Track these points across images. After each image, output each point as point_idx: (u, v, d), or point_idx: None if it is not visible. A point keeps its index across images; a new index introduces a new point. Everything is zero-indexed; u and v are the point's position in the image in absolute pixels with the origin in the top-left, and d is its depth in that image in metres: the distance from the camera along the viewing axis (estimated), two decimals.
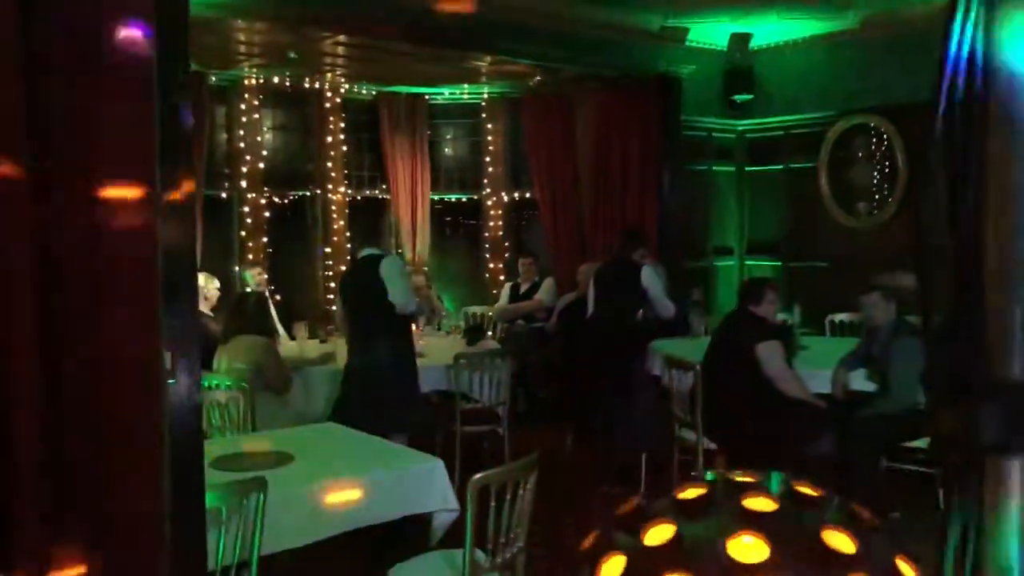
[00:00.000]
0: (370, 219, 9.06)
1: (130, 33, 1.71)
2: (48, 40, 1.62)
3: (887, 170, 7.71)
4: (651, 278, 6.08)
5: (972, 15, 0.70)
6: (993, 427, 0.71)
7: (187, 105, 2.02)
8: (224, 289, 6.74)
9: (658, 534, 0.70)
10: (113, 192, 1.71)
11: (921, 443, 4.93)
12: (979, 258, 0.72)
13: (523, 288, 8.30)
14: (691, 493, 0.76)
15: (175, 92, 2.01)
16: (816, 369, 5.36)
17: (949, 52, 0.71)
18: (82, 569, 1.70)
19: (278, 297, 7.95)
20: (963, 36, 0.70)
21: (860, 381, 5.27)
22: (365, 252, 5.20)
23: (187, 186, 1.99)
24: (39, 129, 1.62)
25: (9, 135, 1.59)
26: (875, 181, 7.81)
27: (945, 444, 0.76)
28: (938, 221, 0.80)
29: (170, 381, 1.88)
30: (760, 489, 0.73)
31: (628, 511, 0.75)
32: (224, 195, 8.19)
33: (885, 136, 7.68)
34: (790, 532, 0.71)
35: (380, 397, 4.84)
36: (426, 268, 8.84)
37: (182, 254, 1.96)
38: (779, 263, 8.58)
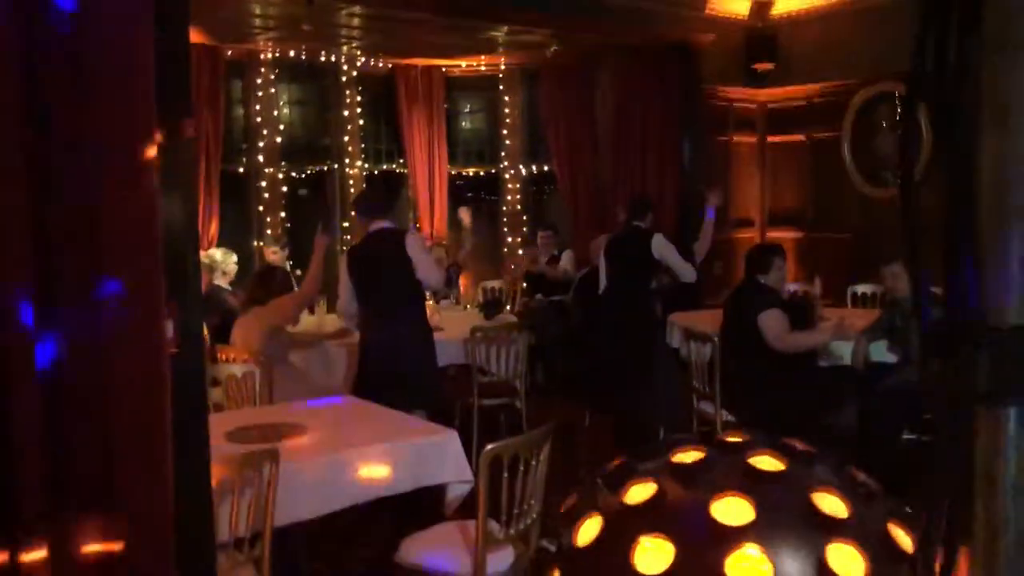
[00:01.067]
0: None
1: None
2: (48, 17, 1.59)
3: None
4: (663, 246, 5.97)
5: None
6: (987, 374, 0.66)
7: (185, 69, 1.98)
8: (242, 264, 6.75)
9: (638, 493, 0.66)
10: (112, 157, 1.68)
11: None
12: (973, 195, 0.67)
13: (542, 261, 8.25)
14: (686, 456, 0.73)
15: (174, 59, 1.98)
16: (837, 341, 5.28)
17: None
18: (86, 542, 1.70)
19: (297, 272, 7.95)
20: None
21: (882, 352, 5.20)
22: (378, 225, 5.01)
23: (188, 152, 1.96)
24: (36, 89, 1.60)
25: (5, 97, 1.57)
26: (899, 150, 7.68)
27: (935, 393, 0.71)
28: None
29: (173, 350, 1.86)
30: (754, 448, 0.69)
31: (613, 469, 0.71)
32: (241, 170, 8.19)
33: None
34: (778, 493, 0.67)
35: (403, 373, 4.80)
36: (444, 242, 8.80)
37: (183, 222, 1.94)
38: (801, 234, 8.47)
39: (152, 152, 1.69)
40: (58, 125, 1.63)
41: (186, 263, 1.96)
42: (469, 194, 9.58)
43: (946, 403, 0.69)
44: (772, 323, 4.82)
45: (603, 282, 6.24)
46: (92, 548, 1.71)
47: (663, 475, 0.69)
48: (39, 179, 1.62)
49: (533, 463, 2.96)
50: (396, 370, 4.79)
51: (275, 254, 7.38)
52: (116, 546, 1.74)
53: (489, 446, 2.81)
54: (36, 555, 1.66)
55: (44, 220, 1.62)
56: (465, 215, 6.98)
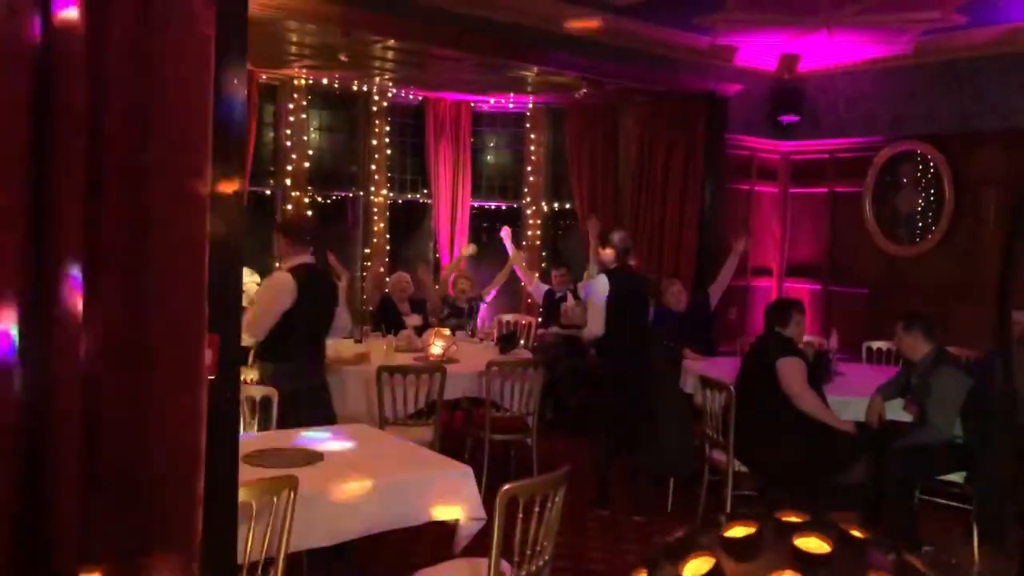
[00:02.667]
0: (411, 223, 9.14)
1: (191, 27, 1.74)
2: (111, 41, 1.66)
3: (932, 199, 7.60)
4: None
5: None
6: None
7: (242, 102, 2.05)
8: None
9: (697, 567, 0.69)
10: (166, 185, 1.74)
11: (956, 477, 4.84)
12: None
13: (557, 296, 8.28)
14: (738, 531, 0.76)
15: (231, 89, 2.05)
16: (852, 396, 5.29)
17: None
18: (118, 558, 1.73)
19: None
20: None
21: (897, 411, 5.20)
22: (306, 259, 4.75)
23: (237, 180, 2.02)
24: (97, 124, 1.66)
25: (69, 130, 1.63)
26: (919, 209, 7.71)
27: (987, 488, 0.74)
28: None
29: (210, 377, 1.91)
30: (810, 529, 0.73)
31: (674, 542, 0.75)
32: (268, 192, 8.30)
33: (932, 164, 7.57)
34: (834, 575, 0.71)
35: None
36: (465, 273, 8.84)
37: (229, 253, 1.99)
38: (818, 287, 8.49)
39: (206, 187, 1.74)
40: (115, 139, 1.68)
41: (229, 292, 2.01)
42: (485, 225, 9.65)
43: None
44: (790, 370, 4.85)
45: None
46: (123, 567, 1.74)
47: (722, 550, 0.73)
48: (93, 203, 1.67)
49: (549, 505, 2.98)
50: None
51: None
52: (145, 565, 1.77)
53: (507, 486, 2.83)
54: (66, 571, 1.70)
55: (93, 243, 1.67)
56: (506, 235, 7.52)
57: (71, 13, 1.61)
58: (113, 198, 1.69)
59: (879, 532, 0.80)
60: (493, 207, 9.63)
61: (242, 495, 2.71)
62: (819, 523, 0.72)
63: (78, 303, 1.63)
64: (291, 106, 8.23)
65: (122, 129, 1.69)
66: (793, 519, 0.72)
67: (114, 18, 1.65)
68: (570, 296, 7.99)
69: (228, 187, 2.02)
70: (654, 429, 5.59)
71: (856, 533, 0.72)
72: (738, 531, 0.73)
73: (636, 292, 5.79)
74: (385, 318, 7.09)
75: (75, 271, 1.64)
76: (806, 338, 6.34)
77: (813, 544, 0.71)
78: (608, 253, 5.73)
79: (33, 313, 1.59)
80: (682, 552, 0.70)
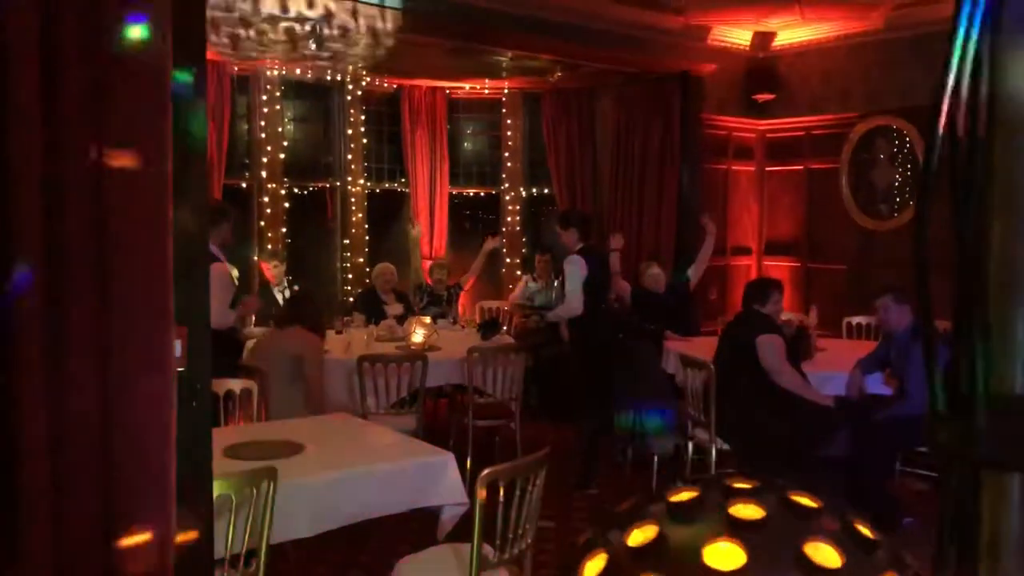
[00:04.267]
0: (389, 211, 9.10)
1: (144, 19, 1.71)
2: (66, 29, 1.63)
3: (908, 173, 7.64)
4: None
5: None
6: (992, 442, 0.69)
7: (201, 88, 2.02)
8: (242, 278, 6.78)
9: (641, 534, 0.69)
10: (126, 173, 1.71)
11: None
12: (982, 267, 0.71)
13: (540, 284, 8.29)
14: (682, 496, 0.76)
15: (191, 77, 2.02)
16: (833, 371, 5.33)
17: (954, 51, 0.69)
18: (88, 554, 1.72)
19: (295, 288, 7.98)
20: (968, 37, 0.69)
21: (877, 384, 5.24)
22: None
23: (200, 172, 2.00)
24: (55, 109, 1.63)
25: (25, 116, 1.60)
26: (896, 184, 7.75)
27: (943, 457, 0.74)
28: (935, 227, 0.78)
29: (179, 369, 1.89)
30: (749, 496, 0.73)
31: (624, 510, 0.74)
32: (244, 185, 8.24)
33: (907, 138, 7.61)
34: (770, 541, 0.70)
35: None
36: (444, 261, 8.83)
37: (194, 238, 1.97)
38: (797, 264, 8.52)
39: (166, 169, 1.72)
40: (71, 131, 1.65)
41: (196, 281, 1.99)
42: (467, 212, 9.64)
43: (952, 462, 0.72)
44: (769, 347, 4.87)
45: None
46: (93, 558, 1.73)
47: (666, 516, 0.72)
48: (51, 186, 1.65)
49: (529, 488, 2.98)
50: None
51: (274, 268, 7.41)
52: (115, 557, 1.76)
53: (486, 470, 2.83)
54: (36, 563, 1.68)
55: (54, 231, 1.65)
56: (491, 243, 7.47)
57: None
58: (73, 190, 1.67)
59: (841, 502, 0.80)
60: (471, 194, 9.60)
61: (221, 487, 2.70)
62: (761, 489, 0.72)
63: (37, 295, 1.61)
64: (264, 97, 8.16)
65: (79, 115, 1.67)
66: (738, 485, 0.72)
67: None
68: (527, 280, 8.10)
69: (192, 173, 2.00)
70: (636, 406, 5.63)
71: (802, 500, 0.72)
72: (681, 495, 0.73)
73: (604, 268, 5.94)
74: (367, 309, 7.07)
75: (34, 263, 1.62)
76: (785, 315, 6.38)
77: (750, 511, 0.71)
78: (572, 233, 5.77)
79: None
80: (630, 519, 0.70)
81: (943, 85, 0.70)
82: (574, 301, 5.64)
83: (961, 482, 0.70)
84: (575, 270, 5.64)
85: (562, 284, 6.46)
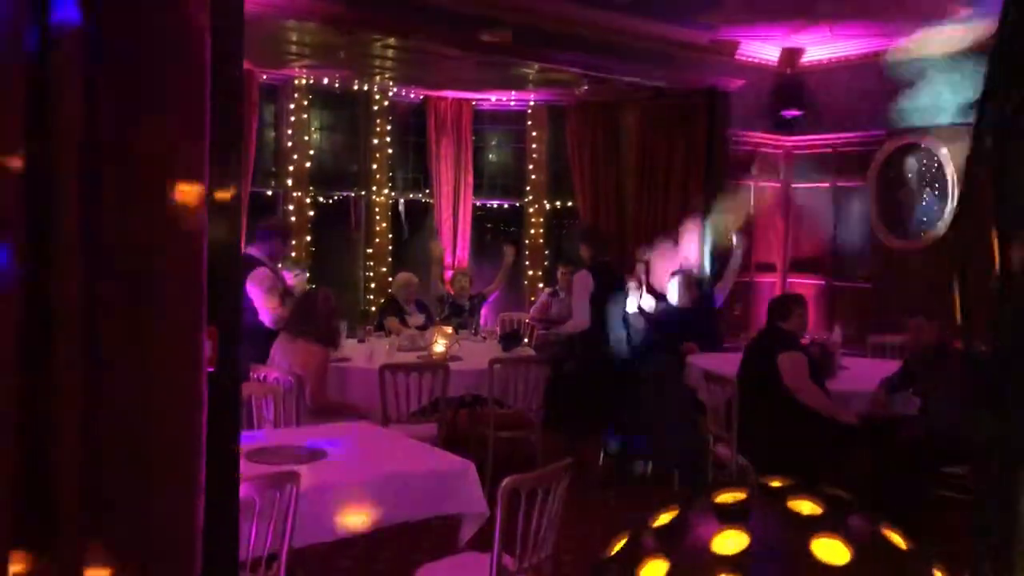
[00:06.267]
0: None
1: (186, 31, 1.74)
2: (104, 40, 1.65)
3: (936, 192, 7.58)
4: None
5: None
6: None
7: (239, 103, 2.05)
8: None
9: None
10: (163, 182, 1.73)
11: (960, 469, 4.83)
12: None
13: (561, 296, 8.27)
14: (728, 497, 0.76)
15: (228, 90, 2.04)
16: (856, 389, 5.28)
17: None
18: (116, 557, 1.73)
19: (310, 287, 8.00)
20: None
21: (901, 404, 5.18)
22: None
23: (235, 179, 2.02)
24: (93, 120, 1.65)
25: (65, 127, 1.62)
26: (924, 203, 7.69)
27: (981, 454, 0.74)
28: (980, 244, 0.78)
29: (209, 370, 1.90)
30: (801, 492, 0.73)
31: (665, 519, 0.74)
32: (270, 193, 8.30)
33: (936, 157, 7.55)
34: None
35: None
36: (467, 271, 8.83)
37: (228, 245, 1.99)
38: (822, 282, 8.47)
39: (203, 176, 1.74)
40: (109, 140, 1.67)
41: (227, 284, 2.01)
42: (488, 224, 9.65)
43: (991, 462, 0.72)
44: (791, 364, 4.85)
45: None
46: (120, 561, 1.74)
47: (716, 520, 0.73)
48: (88, 193, 1.67)
49: (550, 497, 2.98)
50: None
51: (295, 277, 7.43)
52: (141, 560, 1.77)
53: (508, 479, 2.83)
54: (65, 565, 1.70)
55: (92, 233, 1.67)
56: (510, 252, 7.45)
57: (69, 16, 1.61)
58: (110, 190, 1.69)
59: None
60: (495, 205, 9.62)
61: (244, 490, 2.71)
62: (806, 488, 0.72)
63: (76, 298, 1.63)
64: (292, 106, 8.23)
65: (117, 128, 1.69)
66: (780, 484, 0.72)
67: (107, 22, 1.64)
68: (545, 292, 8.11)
69: (226, 182, 2.01)
70: (657, 423, 5.62)
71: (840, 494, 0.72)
72: (727, 497, 0.73)
73: (618, 285, 6.06)
74: (388, 319, 7.08)
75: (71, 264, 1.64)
76: (809, 335, 6.34)
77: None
78: (585, 249, 5.92)
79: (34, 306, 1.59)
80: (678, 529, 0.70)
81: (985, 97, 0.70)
82: (580, 316, 5.77)
83: (998, 479, 0.69)
84: (582, 286, 5.76)
85: None
